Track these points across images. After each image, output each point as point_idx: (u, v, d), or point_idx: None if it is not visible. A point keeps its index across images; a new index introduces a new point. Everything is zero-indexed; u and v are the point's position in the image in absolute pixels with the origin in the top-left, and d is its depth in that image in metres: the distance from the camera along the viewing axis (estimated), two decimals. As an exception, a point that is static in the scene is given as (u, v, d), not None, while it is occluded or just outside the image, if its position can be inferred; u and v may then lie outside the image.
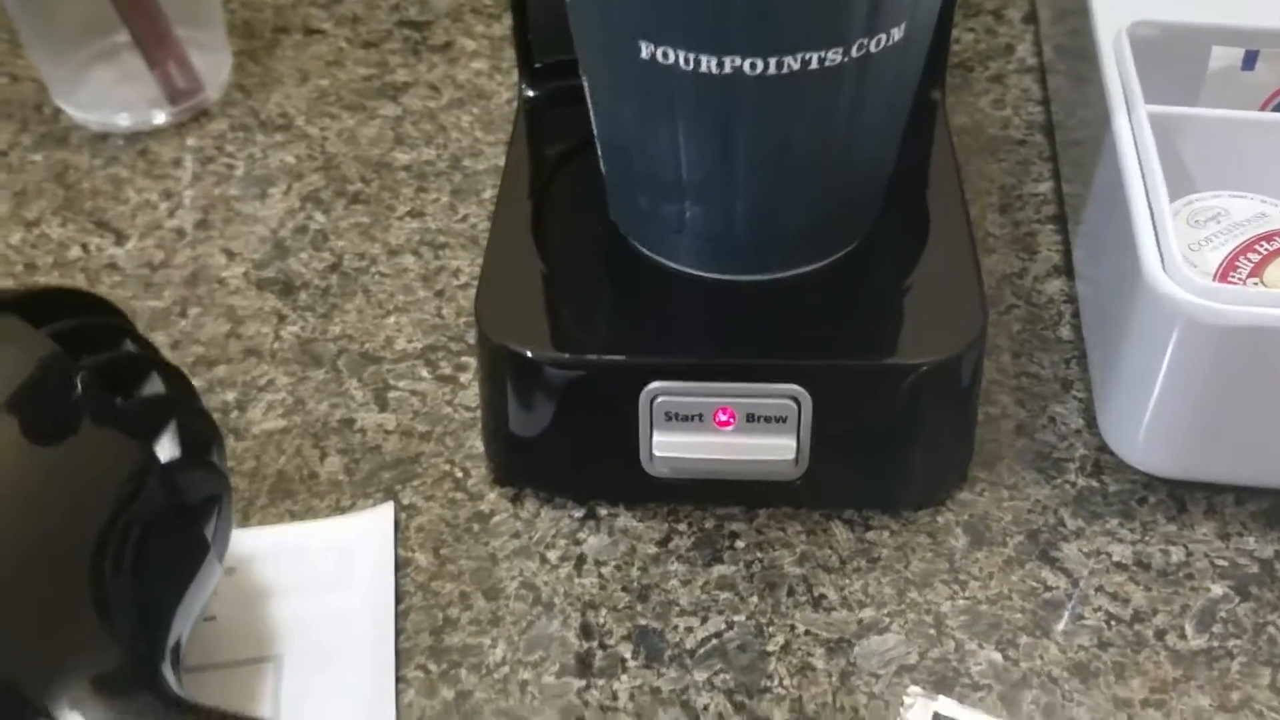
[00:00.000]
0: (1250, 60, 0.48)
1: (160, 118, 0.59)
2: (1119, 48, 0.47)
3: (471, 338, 0.49)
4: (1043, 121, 0.58)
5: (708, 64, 0.36)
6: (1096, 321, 0.46)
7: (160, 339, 0.49)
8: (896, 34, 0.37)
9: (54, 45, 0.59)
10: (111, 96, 0.59)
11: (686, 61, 0.37)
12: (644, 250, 0.44)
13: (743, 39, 0.36)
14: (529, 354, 0.41)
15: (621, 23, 0.37)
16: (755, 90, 0.37)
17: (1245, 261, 0.43)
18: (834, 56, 0.36)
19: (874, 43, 0.37)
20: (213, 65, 0.61)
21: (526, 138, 0.50)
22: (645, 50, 0.37)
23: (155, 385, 0.34)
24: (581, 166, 0.46)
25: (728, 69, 0.36)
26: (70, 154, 0.58)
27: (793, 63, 0.36)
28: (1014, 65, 0.62)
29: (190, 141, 0.59)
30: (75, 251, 0.53)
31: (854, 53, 0.37)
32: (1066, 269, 0.51)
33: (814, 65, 0.36)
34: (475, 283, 0.51)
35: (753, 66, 0.36)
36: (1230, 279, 0.42)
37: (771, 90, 0.37)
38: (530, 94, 0.50)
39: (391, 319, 0.50)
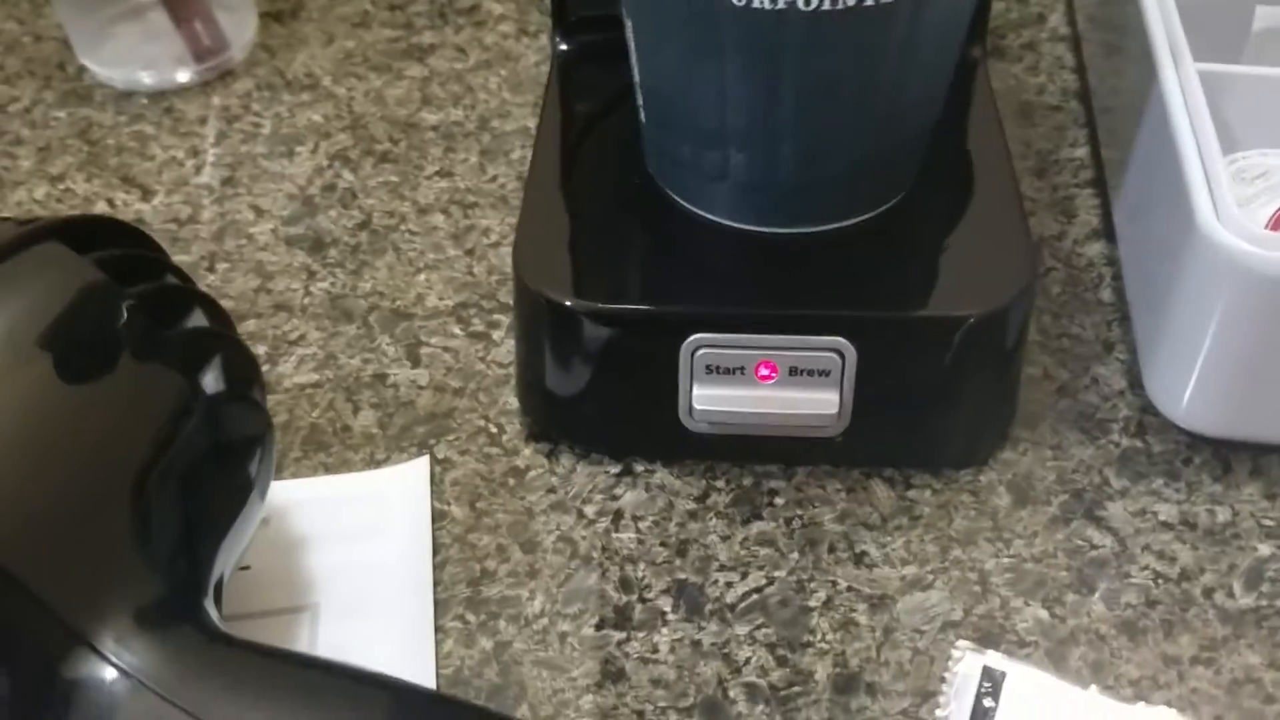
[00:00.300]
0: (1296, 21, 0.47)
1: (185, 76, 0.59)
2: (1164, 6, 0.46)
3: (504, 295, 0.48)
4: (1077, 89, 0.58)
5: (760, -1, 0.36)
6: (1140, 282, 0.45)
7: (189, 293, 0.48)
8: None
9: (79, 1, 0.59)
10: (136, 54, 0.59)
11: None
12: (683, 202, 0.43)
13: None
14: (568, 304, 0.40)
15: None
16: (807, 28, 0.36)
17: (1294, 219, 0.42)
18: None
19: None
20: (238, 24, 0.60)
21: (560, 92, 0.49)
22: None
23: (198, 319, 0.33)
24: (616, 121, 0.46)
25: (781, 3, 0.36)
26: (94, 111, 0.58)
27: (848, -2, 0.35)
28: (1046, 34, 0.61)
29: (216, 100, 0.58)
30: (101, 206, 0.53)
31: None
32: (1106, 232, 0.50)
33: (869, 1, 0.36)
34: (505, 242, 0.51)
35: (806, 2, 0.35)
36: (1280, 235, 0.41)
37: (824, 28, 0.36)
38: (564, 48, 0.50)
39: (422, 276, 0.49)
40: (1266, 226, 0.42)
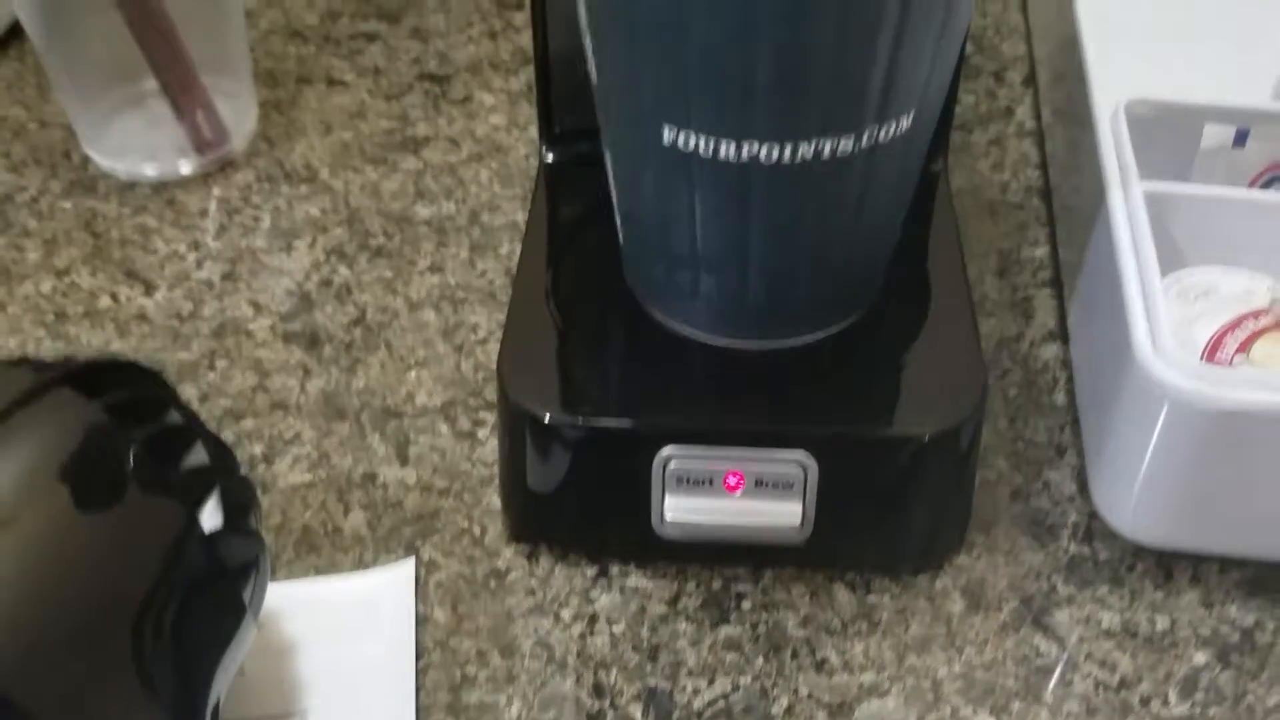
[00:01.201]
0: (1241, 138, 0.50)
1: (187, 168, 0.61)
2: (1116, 125, 0.49)
3: (490, 393, 0.51)
4: (1040, 186, 0.60)
5: (727, 150, 0.38)
6: (1089, 390, 0.48)
7: (189, 391, 0.51)
8: (905, 121, 0.39)
9: (81, 90, 0.61)
10: (139, 144, 0.61)
11: (707, 146, 0.39)
12: (658, 316, 0.46)
13: (761, 125, 0.38)
14: (548, 417, 0.43)
15: (647, 106, 0.39)
16: (770, 176, 0.39)
17: (1233, 338, 0.44)
18: (846, 144, 0.38)
19: (884, 130, 0.39)
20: (239, 114, 0.63)
21: (546, 201, 0.52)
22: (668, 135, 0.39)
23: (199, 454, 0.35)
24: (599, 230, 0.48)
25: (745, 156, 0.38)
26: (99, 202, 0.60)
27: (807, 151, 0.38)
28: (1013, 129, 0.64)
29: (217, 192, 0.61)
30: (105, 301, 0.55)
31: (865, 141, 0.39)
32: (1062, 334, 0.53)
33: (826, 153, 0.38)
34: (493, 338, 0.53)
35: (769, 154, 0.38)
36: (1218, 355, 0.44)
37: (786, 176, 0.39)
38: (550, 159, 0.52)
39: (412, 373, 0.52)
40: (1206, 347, 0.44)
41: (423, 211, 0.60)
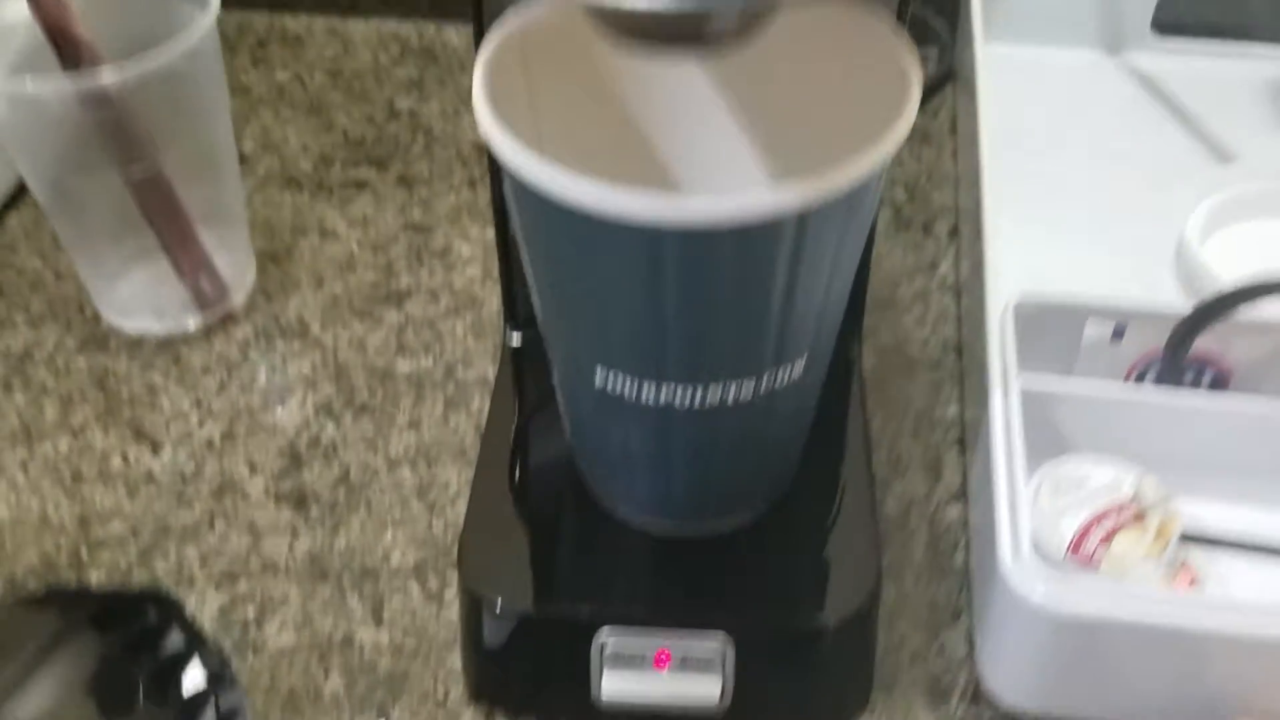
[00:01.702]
0: (1119, 332, 0.57)
1: (191, 324, 0.68)
2: (1004, 325, 0.56)
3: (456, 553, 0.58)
4: (956, 342, 0.67)
5: (648, 392, 0.45)
6: (978, 558, 0.55)
7: (191, 553, 0.58)
8: (799, 364, 0.46)
9: (89, 251, 0.67)
10: (145, 302, 0.68)
11: (632, 388, 0.45)
12: (603, 503, 0.53)
13: (675, 373, 0.44)
14: (499, 604, 0.50)
15: (582, 351, 0.46)
16: (687, 411, 0.45)
17: (1097, 530, 0.51)
18: (749, 386, 0.45)
19: (781, 373, 0.45)
20: (237, 268, 0.70)
21: (510, 384, 0.58)
22: (599, 376, 0.46)
23: (196, 670, 0.42)
24: (556, 415, 0.55)
25: (663, 399, 0.45)
26: (110, 359, 0.67)
27: (715, 393, 0.45)
28: (936, 283, 0.70)
29: (218, 347, 0.67)
30: (116, 461, 0.62)
31: (765, 383, 0.45)
32: (965, 493, 0.59)
33: (733, 395, 0.45)
34: (461, 497, 0.60)
35: (684, 397, 0.45)
36: (1082, 548, 0.51)
37: (700, 411, 0.46)
38: (515, 345, 0.59)
39: (389, 533, 0.59)
40: (1072, 540, 0.51)
41: (403, 366, 0.66)
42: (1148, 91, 0.79)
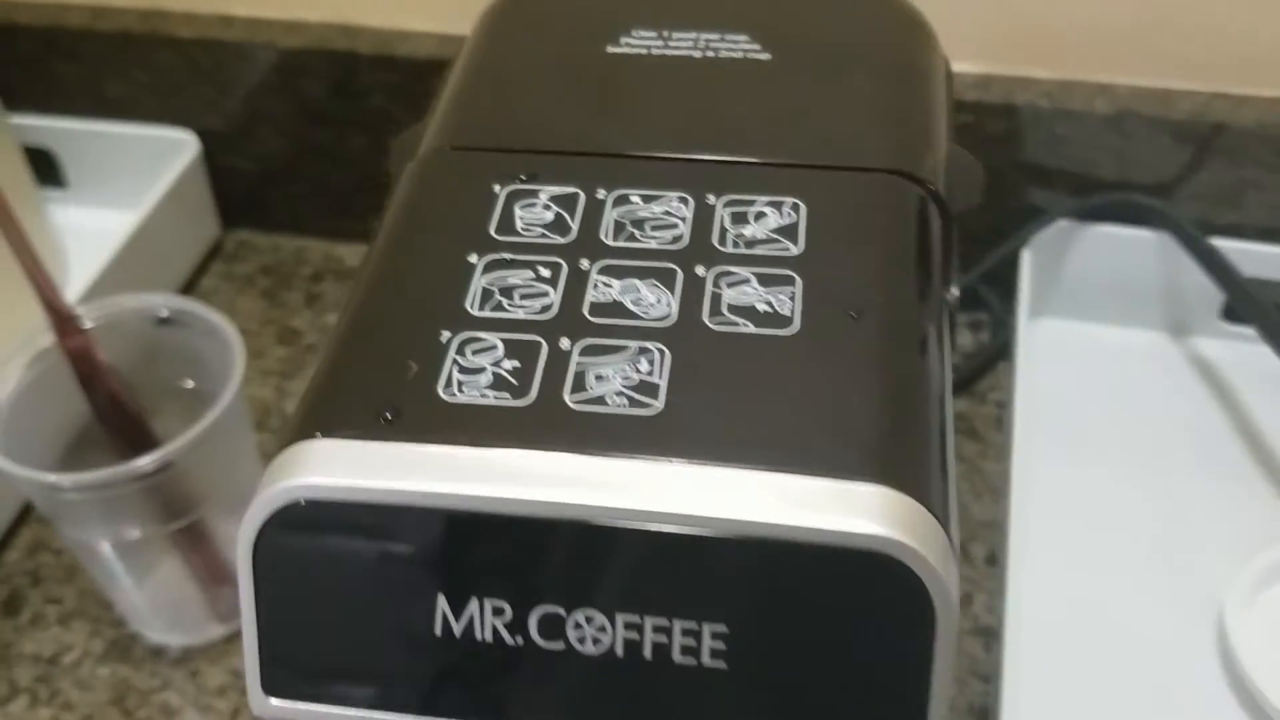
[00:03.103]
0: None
1: (211, 634, 0.69)
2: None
3: None
4: (981, 706, 0.64)
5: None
6: None
7: None
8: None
9: (109, 582, 0.68)
10: (167, 612, 0.68)
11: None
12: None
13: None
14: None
15: None
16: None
17: None
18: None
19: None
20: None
21: None
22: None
23: None
24: None
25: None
26: (132, 671, 0.68)
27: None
28: (969, 624, 0.68)
29: (234, 663, 0.68)
30: (126, 801, 0.63)
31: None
32: None
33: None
34: None
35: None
36: None
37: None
38: None
39: None
40: None
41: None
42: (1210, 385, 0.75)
